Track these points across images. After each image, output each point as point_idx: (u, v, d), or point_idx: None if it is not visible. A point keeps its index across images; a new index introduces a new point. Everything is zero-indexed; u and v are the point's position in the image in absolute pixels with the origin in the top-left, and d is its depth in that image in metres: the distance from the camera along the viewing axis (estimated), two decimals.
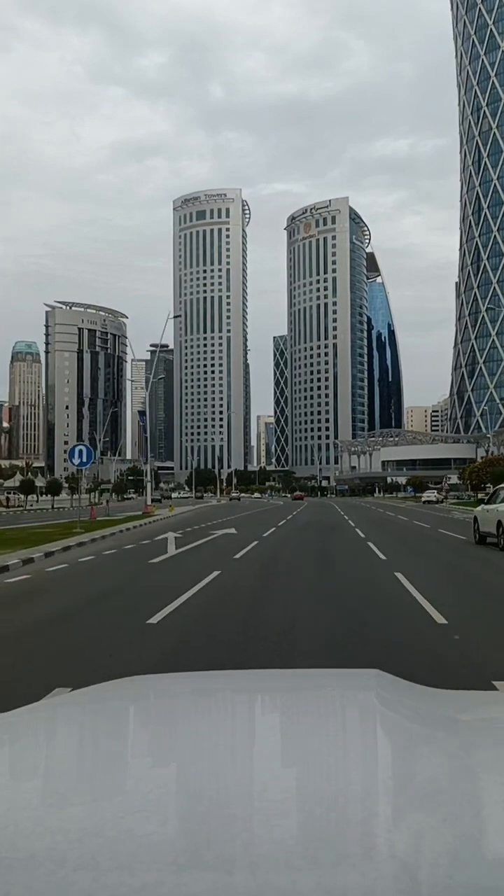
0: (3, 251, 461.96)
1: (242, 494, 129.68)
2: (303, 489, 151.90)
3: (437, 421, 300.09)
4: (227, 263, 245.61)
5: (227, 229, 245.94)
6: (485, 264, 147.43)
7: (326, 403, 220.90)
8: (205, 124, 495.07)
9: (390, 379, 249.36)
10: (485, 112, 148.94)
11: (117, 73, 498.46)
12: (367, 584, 10.83)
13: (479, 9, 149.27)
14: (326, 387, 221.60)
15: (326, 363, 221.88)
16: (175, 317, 51.59)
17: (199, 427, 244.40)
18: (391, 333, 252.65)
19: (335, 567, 13.38)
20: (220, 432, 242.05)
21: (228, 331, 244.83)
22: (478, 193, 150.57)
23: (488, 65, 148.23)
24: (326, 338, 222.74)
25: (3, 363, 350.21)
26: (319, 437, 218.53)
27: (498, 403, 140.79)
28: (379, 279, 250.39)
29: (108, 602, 9.56)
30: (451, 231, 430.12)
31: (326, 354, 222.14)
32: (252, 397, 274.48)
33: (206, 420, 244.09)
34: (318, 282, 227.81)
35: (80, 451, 23.84)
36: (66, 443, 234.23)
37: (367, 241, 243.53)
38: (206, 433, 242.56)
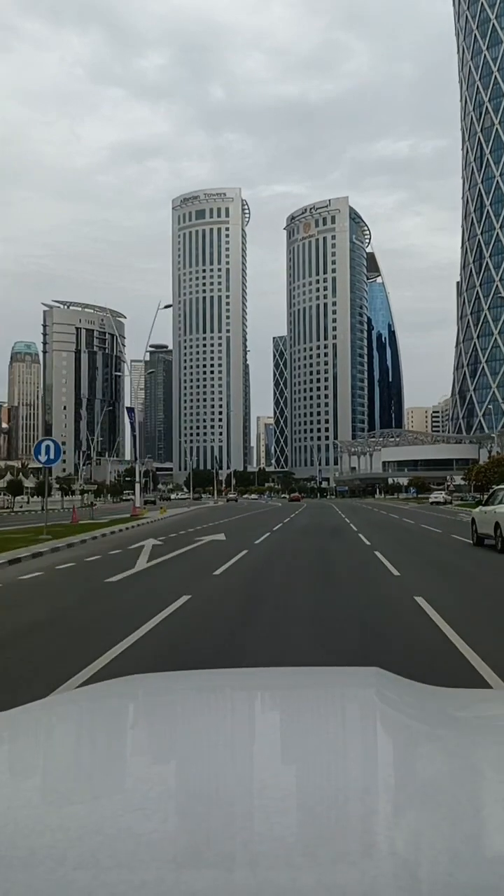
0: (3, 251, 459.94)
1: (240, 496, 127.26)
2: (302, 490, 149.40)
3: (438, 422, 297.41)
4: (227, 263, 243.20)
5: (227, 229, 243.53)
6: (487, 262, 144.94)
7: (326, 404, 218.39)
8: (205, 125, 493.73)
9: (390, 380, 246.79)
10: (487, 108, 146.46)
11: (117, 74, 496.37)
12: (382, 620, 8.05)
13: (482, 3, 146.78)
14: (326, 387, 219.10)
15: (326, 364, 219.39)
16: (166, 307, 48.93)
17: (198, 428, 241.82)
18: (391, 334, 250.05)
19: (338, 589, 10.55)
20: (220, 433, 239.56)
21: (228, 331, 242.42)
22: (480, 191, 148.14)
23: (490, 60, 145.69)
24: (326, 338, 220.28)
25: (3, 364, 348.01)
26: (319, 438, 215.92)
27: (501, 403, 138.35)
28: (379, 279, 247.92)
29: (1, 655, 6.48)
30: (451, 232, 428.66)
31: (326, 355, 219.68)
32: (252, 398, 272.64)
33: (205, 421, 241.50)
34: (317, 282, 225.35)
35: (48, 447, 21.13)
36: (63, 443, 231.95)
37: (368, 240, 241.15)
38: (205, 434, 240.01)
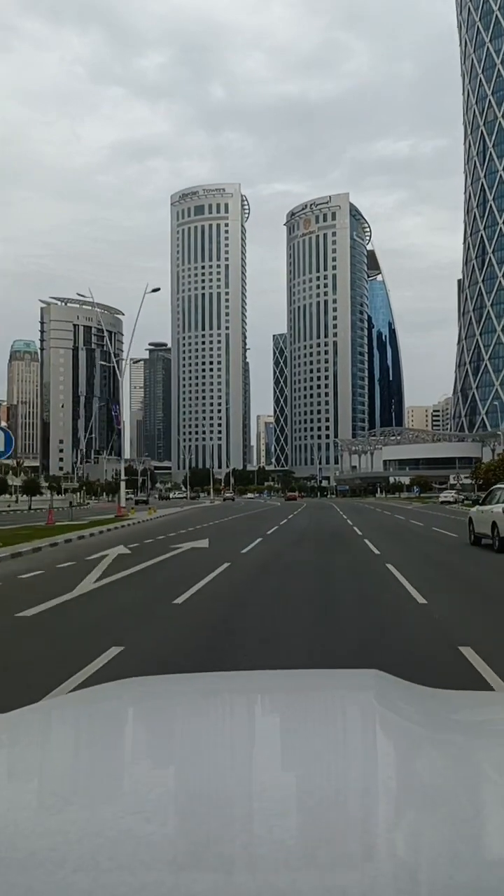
0: (3, 251, 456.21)
1: (239, 495, 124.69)
2: (302, 489, 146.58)
3: (439, 420, 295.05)
4: (226, 259, 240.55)
5: (226, 225, 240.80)
6: (490, 258, 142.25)
7: (326, 402, 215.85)
8: (205, 125, 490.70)
9: (391, 378, 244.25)
10: (490, 101, 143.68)
11: (117, 74, 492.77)
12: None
13: None
14: (326, 385, 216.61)
15: (326, 361, 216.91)
16: (154, 290, 46.28)
17: (197, 426, 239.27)
18: (392, 332, 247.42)
19: (344, 623, 7.78)
20: (219, 432, 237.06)
21: (227, 328, 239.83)
22: (483, 185, 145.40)
23: (494, 52, 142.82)
24: (326, 336, 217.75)
25: (3, 363, 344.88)
26: (319, 437, 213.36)
27: None
28: (379, 277, 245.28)
29: None
30: (451, 231, 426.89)
31: (326, 353, 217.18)
32: (251, 397, 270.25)
33: (204, 419, 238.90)
34: (317, 279, 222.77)
35: None
36: (61, 441, 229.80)
37: (368, 238, 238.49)
38: (204, 432, 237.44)
